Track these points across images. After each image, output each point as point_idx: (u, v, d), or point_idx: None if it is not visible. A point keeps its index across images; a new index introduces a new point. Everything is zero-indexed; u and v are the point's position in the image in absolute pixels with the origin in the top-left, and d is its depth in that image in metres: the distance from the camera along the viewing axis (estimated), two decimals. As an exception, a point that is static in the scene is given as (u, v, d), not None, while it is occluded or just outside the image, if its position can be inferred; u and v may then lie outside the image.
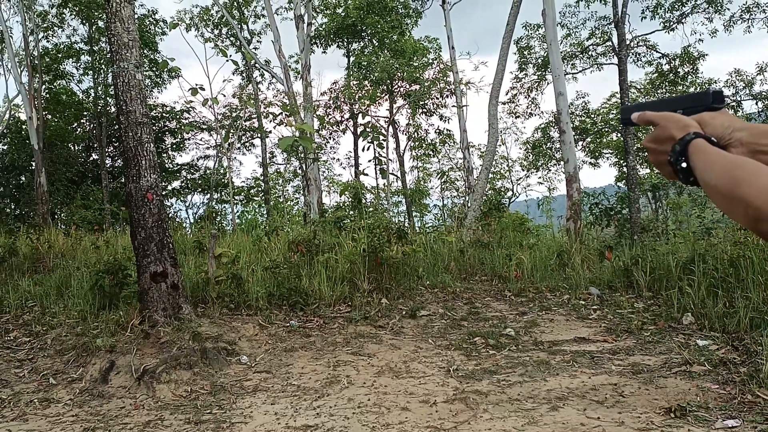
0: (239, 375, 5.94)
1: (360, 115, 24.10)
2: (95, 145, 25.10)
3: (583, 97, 24.16)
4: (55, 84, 24.53)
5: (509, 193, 26.78)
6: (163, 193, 25.31)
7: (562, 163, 26.55)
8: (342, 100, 23.55)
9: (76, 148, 26.40)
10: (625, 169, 26.38)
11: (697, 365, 5.35)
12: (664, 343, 6.17)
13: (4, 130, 25.98)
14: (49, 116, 24.47)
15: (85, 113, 25.30)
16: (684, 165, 1.14)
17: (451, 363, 6.06)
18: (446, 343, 6.75)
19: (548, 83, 23.60)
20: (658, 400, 4.68)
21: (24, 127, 23.39)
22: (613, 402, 4.73)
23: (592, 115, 23.98)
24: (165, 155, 26.61)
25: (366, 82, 22.22)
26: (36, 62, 20.92)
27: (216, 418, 4.86)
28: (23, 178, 24.37)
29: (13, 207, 24.43)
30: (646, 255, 8.46)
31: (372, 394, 5.27)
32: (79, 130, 26.07)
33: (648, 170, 25.57)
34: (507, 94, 24.17)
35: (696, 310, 6.76)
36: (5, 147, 25.47)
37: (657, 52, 21.67)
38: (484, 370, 5.78)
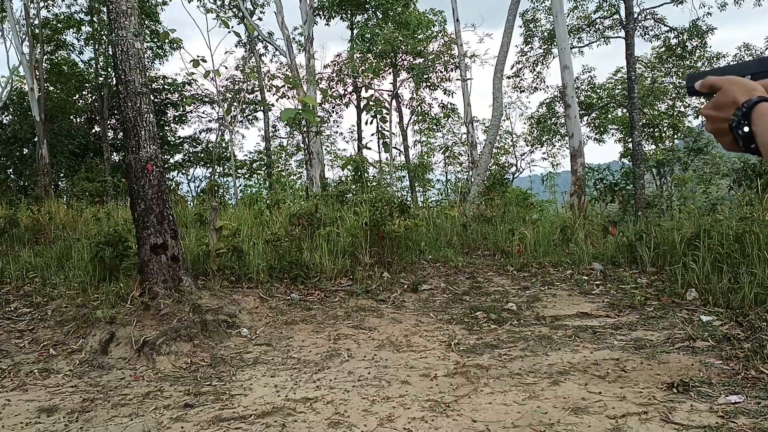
0: (239, 347, 5.92)
1: (363, 88, 23.88)
2: (97, 118, 24.96)
3: (589, 72, 23.88)
4: (56, 55, 24.30)
5: (513, 169, 26.61)
6: (165, 166, 25.18)
7: (566, 138, 26.38)
8: (345, 73, 23.31)
9: (78, 120, 26.25)
10: (630, 146, 26.20)
11: (700, 341, 5.31)
12: (667, 319, 6.12)
13: (7, 102, 25.81)
14: (51, 88, 24.28)
15: (87, 85, 25.10)
16: (746, 129, 1.08)
17: (453, 337, 6.02)
18: (448, 318, 6.72)
19: (554, 57, 23.31)
20: (660, 376, 4.64)
21: (27, 98, 23.21)
22: (614, 377, 4.69)
23: (598, 90, 23.73)
24: (167, 128, 26.45)
25: (369, 55, 21.97)
26: (37, 32, 20.69)
27: (215, 390, 4.84)
28: (26, 150, 24.26)
29: (15, 179, 24.37)
30: (650, 230, 8.38)
31: (372, 367, 5.24)
32: (81, 102, 25.90)
33: (653, 146, 25.38)
34: (512, 68, 23.92)
35: (700, 285, 6.70)
36: (8, 118, 25.35)
37: (665, 25, 21.36)
38: (485, 345, 5.75)
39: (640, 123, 19.45)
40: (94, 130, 25.85)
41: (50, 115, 22.00)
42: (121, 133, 23.59)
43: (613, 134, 25.68)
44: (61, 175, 24.69)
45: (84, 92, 25.48)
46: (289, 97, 22.60)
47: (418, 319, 6.68)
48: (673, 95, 25.94)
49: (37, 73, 19.62)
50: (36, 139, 20.12)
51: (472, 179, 14.63)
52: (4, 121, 25.18)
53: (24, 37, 20.57)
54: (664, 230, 8.37)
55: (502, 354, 5.45)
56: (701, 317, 5.96)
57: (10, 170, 24.75)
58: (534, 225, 10.06)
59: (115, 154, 24.60)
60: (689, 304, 6.47)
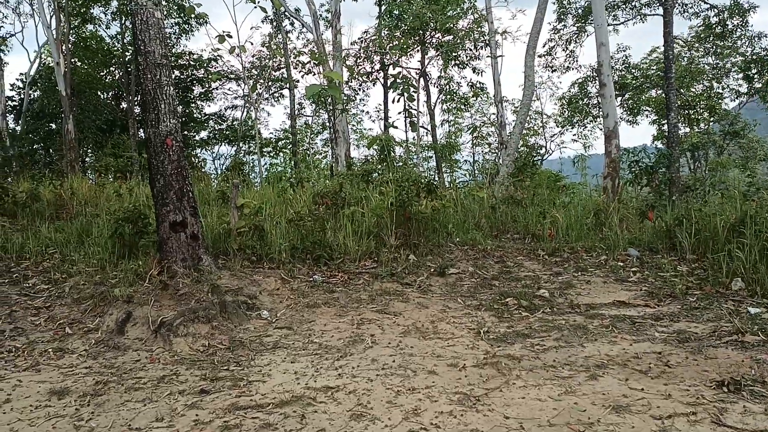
0: (259, 330, 5.70)
1: (390, 66, 23.43)
2: (124, 94, 24.90)
3: (623, 51, 23.06)
4: (83, 29, 24.20)
5: (542, 150, 26.00)
6: (190, 143, 24.95)
7: (598, 119, 25.66)
8: (372, 50, 22.85)
9: (106, 96, 26.21)
10: (664, 128, 25.37)
11: (749, 335, 4.95)
12: (711, 310, 5.76)
13: (35, 76, 25.87)
14: (79, 63, 24.24)
15: (114, 60, 25.00)
16: None
17: (482, 324, 5.73)
18: (476, 303, 6.42)
19: (588, 35, 22.62)
20: (708, 372, 4.30)
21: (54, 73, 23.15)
22: (657, 372, 4.37)
23: (633, 70, 22.96)
24: (193, 105, 26.30)
25: (397, 32, 21.46)
26: (63, 3, 20.55)
27: (233, 376, 4.62)
28: (53, 125, 24.31)
29: (43, 154, 24.47)
30: (690, 215, 7.96)
31: (397, 355, 4.98)
32: (108, 78, 25.84)
33: (687, 129, 24.63)
34: (544, 46, 23.22)
35: (747, 275, 6.31)
36: (36, 93, 25.42)
37: (705, 2, 20.54)
38: (516, 333, 5.45)
39: (677, 104, 18.79)
40: (121, 106, 25.82)
41: (77, 90, 21.97)
42: (146, 110, 23.41)
43: (647, 116, 24.94)
44: (89, 150, 24.73)
45: (111, 68, 25.39)
46: (315, 74, 22.20)
47: (445, 305, 6.40)
48: (710, 76, 25.06)
49: (64, 47, 19.51)
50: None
51: (502, 160, 14.24)
52: (33, 96, 25.27)
53: (51, 11, 20.47)
54: (705, 215, 7.95)
55: (534, 344, 5.15)
56: (749, 309, 5.59)
57: (38, 145, 24.85)
58: (566, 208, 9.68)
59: (141, 130, 24.51)
60: (735, 295, 6.09)
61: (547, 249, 8.44)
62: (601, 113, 24.64)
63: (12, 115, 25.65)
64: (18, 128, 24.96)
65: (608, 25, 20.83)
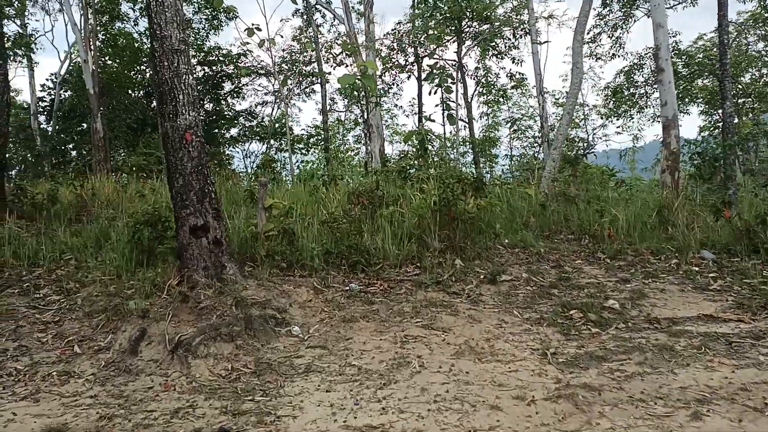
0: (289, 350, 4.98)
1: (425, 58, 22.56)
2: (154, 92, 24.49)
3: (674, 36, 21.69)
4: (112, 26, 23.84)
5: (584, 144, 24.78)
6: (221, 140, 24.33)
7: (645, 110, 24.40)
8: (406, 42, 21.99)
9: (136, 94, 25.86)
10: (715, 118, 24.06)
11: None
12: (822, 327, 4.88)
13: (66, 76, 25.67)
14: (109, 61, 23.92)
15: (145, 58, 24.61)
16: None
17: (546, 343, 4.94)
18: (536, 317, 5.61)
19: (635, 20, 21.38)
20: (843, 413, 3.45)
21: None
22: (778, 411, 3.53)
23: (683, 56, 21.66)
24: (223, 102, 25.77)
25: (432, 22, 20.55)
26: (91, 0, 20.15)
27: (259, 408, 3.93)
28: (84, 125, 24.04)
29: (74, 154, 24.22)
30: (774, 213, 7.03)
31: (451, 382, 4.22)
32: (139, 76, 25.48)
33: (736, 119, 23.30)
34: (589, 33, 22.01)
35: None
36: (67, 93, 25.20)
37: (762, -17, 19.24)
38: (589, 355, 4.64)
39: (732, 92, 17.59)
40: (152, 105, 25.44)
41: (107, 89, 21.62)
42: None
43: (699, 105, 23.60)
44: (121, 150, 24.42)
45: (141, 65, 25.02)
46: (347, 65, 21.44)
47: (500, 318, 5.60)
48: (759, 64, 23.65)
49: (92, 45, 19.13)
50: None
51: (549, 153, 13.32)
52: (63, 96, 25.07)
53: (81, 11, 20.11)
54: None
55: (613, 369, 4.34)
56: None
57: (70, 145, 24.64)
58: (626, 204, 8.77)
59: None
60: None
61: (608, 251, 7.58)
62: (651, 102, 23.44)
63: (44, 116, 25.52)
64: (50, 128, 24.79)
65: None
